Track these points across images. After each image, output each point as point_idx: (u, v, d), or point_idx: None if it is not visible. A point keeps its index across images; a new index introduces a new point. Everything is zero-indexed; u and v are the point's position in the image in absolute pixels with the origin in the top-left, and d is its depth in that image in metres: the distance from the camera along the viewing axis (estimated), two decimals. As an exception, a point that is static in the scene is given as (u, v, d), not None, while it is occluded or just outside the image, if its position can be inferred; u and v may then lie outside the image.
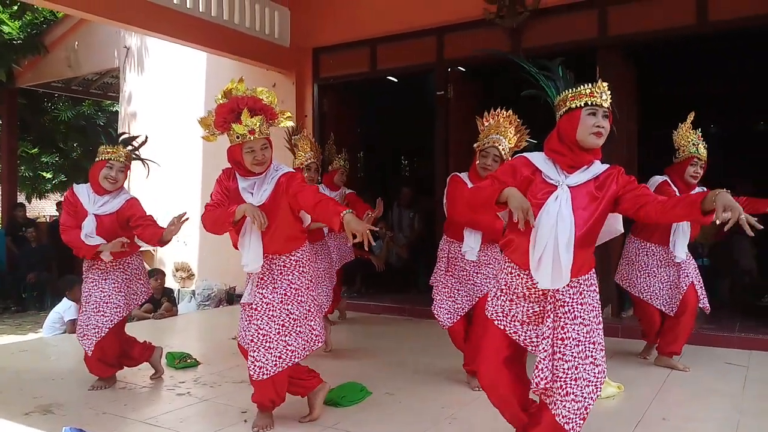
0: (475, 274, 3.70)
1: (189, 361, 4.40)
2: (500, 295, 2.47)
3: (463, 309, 3.73)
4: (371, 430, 3.08)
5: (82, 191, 3.79)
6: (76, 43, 9.49)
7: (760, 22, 5.02)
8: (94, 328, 3.67)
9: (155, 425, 3.20)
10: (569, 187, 2.31)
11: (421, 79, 7.87)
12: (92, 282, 3.77)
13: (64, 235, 3.73)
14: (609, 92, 2.34)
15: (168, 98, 8.44)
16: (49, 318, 6.53)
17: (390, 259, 7.37)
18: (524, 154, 2.45)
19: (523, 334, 2.41)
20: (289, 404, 3.26)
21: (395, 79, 8.28)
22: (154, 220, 3.75)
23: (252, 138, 2.88)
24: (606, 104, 2.31)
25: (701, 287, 4.21)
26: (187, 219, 3.41)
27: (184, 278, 8.16)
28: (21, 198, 12.66)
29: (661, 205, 2.21)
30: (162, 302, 7.22)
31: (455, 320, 3.74)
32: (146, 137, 4.06)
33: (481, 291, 3.67)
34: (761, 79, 7.58)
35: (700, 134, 4.14)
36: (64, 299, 6.44)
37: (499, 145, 3.54)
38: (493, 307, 2.48)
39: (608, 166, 2.38)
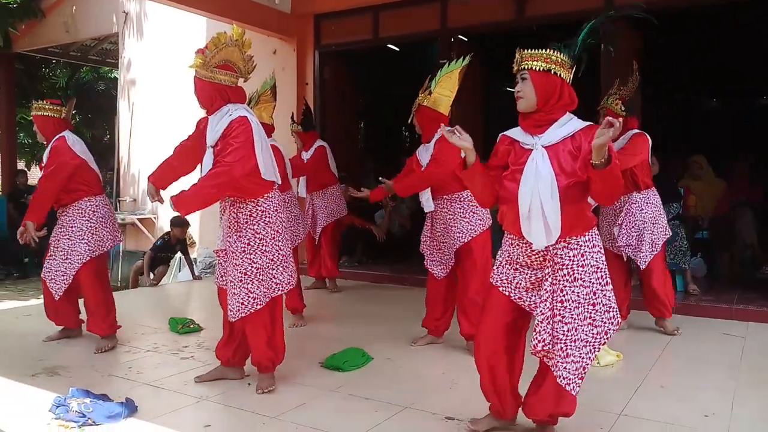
0: (451, 228, 3.82)
1: (192, 326, 4.45)
2: (505, 264, 2.52)
3: (451, 260, 3.85)
4: (373, 394, 3.12)
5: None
6: (74, 7, 9.32)
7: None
8: (63, 275, 3.92)
9: (160, 387, 3.24)
10: (546, 147, 2.37)
11: (424, 48, 7.79)
12: (60, 228, 3.99)
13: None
14: (526, 54, 2.40)
15: (168, 64, 8.34)
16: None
17: (392, 229, 7.38)
18: (504, 132, 2.55)
19: (528, 299, 2.46)
20: (292, 368, 3.30)
21: (397, 48, 8.19)
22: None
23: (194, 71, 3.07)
24: (516, 69, 2.41)
25: (651, 243, 4.21)
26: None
27: (188, 245, 8.18)
28: (20, 165, 12.61)
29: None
30: (175, 249, 7.31)
31: (448, 270, 3.88)
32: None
33: (456, 243, 3.80)
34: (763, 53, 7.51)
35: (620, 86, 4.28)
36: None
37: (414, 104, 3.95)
38: (498, 275, 2.52)
39: (587, 124, 2.40)
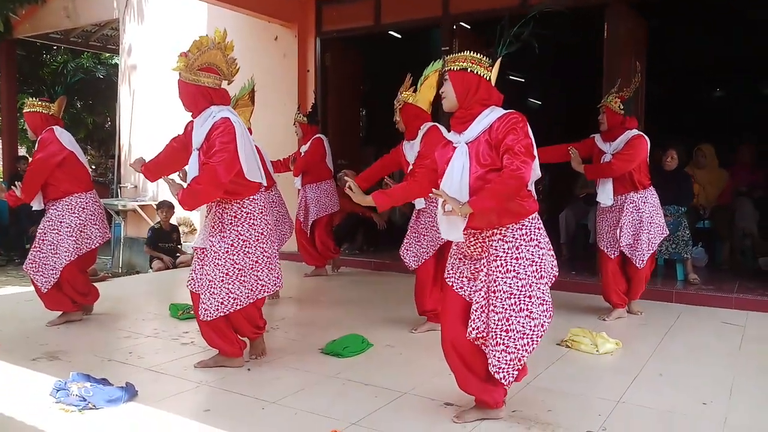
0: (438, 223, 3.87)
1: (192, 312, 4.43)
2: (452, 255, 2.64)
3: (428, 253, 3.95)
4: (372, 380, 3.14)
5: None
6: (74, -8, 9.28)
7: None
8: (51, 269, 4.00)
9: (160, 372, 3.26)
10: (469, 143, 2.45)
11: (426, 35, 7.73)
12: (48, 221, 4.02)
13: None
14: (448, 59, 2.54)
15: (169, 50, 8.28)
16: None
17: (393, 217, 7.38)
18: (444, 134, 2.68)
19: (468, 289, 2.55)
20: (292, 353, 3.30)
21: (399, 35, 8.13)
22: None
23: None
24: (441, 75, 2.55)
25: (647, 242, 4.27)
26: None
27: (186, 233, 8.19)
28: (22, 151, 12.59)
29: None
30: (173, 237, 7.45)
31: (420, 263, 3.99)
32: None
33: (441, 240, 3.84)
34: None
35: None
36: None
37: (397, 101, 4.05)
38: (447, 268, 2.65)
39: (505, 112, 2.44)
